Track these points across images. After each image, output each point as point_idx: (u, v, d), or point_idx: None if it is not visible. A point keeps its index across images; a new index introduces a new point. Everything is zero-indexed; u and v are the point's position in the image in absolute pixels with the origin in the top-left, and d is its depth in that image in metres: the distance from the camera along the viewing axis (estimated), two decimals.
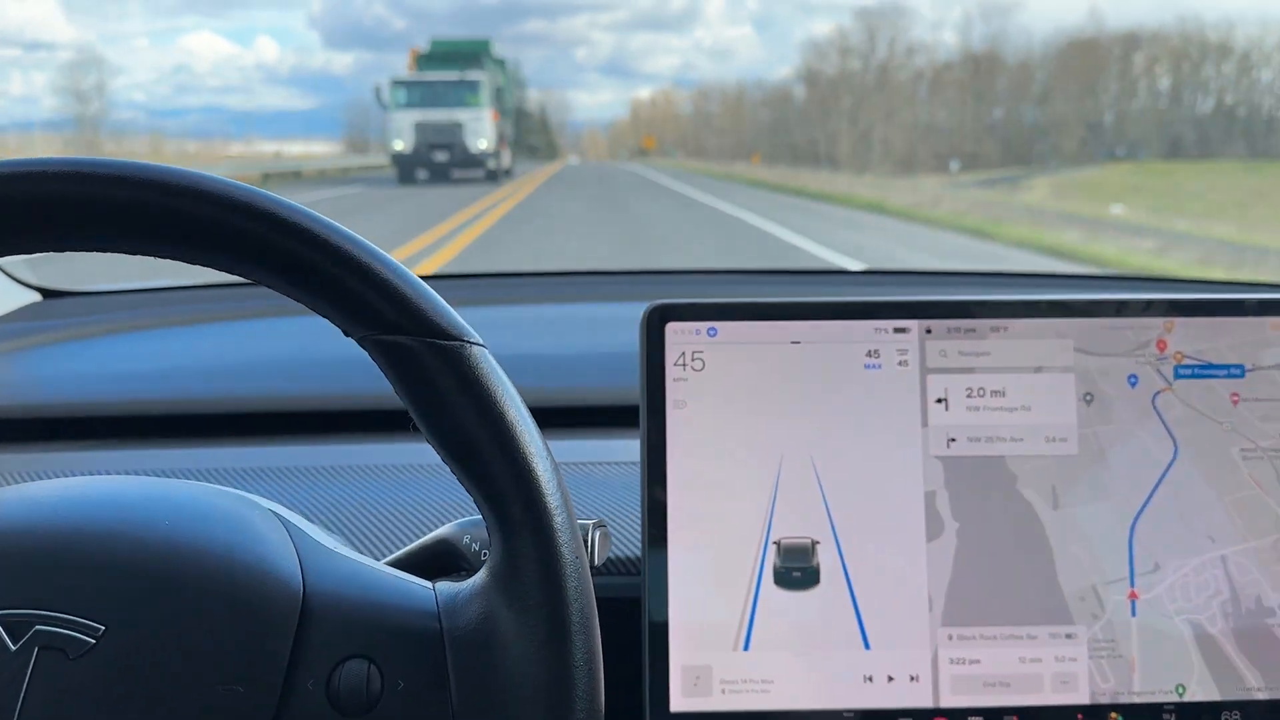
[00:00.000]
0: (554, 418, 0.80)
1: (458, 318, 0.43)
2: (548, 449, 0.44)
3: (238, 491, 0.50)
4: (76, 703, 0.41)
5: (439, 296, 0.43)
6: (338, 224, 0.42)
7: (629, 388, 0.62)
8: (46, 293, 1.15)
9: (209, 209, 0.40)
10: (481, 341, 0.43)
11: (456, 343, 0.42)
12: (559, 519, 0.43)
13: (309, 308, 0.43)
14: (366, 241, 0.42)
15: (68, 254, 0.44)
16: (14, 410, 0.86)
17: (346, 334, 0.43)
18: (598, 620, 0.44)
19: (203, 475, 0.74)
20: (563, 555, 0.43)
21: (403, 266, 0.43)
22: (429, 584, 0.46)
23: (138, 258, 0.43)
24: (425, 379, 0.42)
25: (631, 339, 0.61)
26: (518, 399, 0.44)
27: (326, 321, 0.44)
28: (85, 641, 0.42)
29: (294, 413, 0.84)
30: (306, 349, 0.95)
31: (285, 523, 0.48)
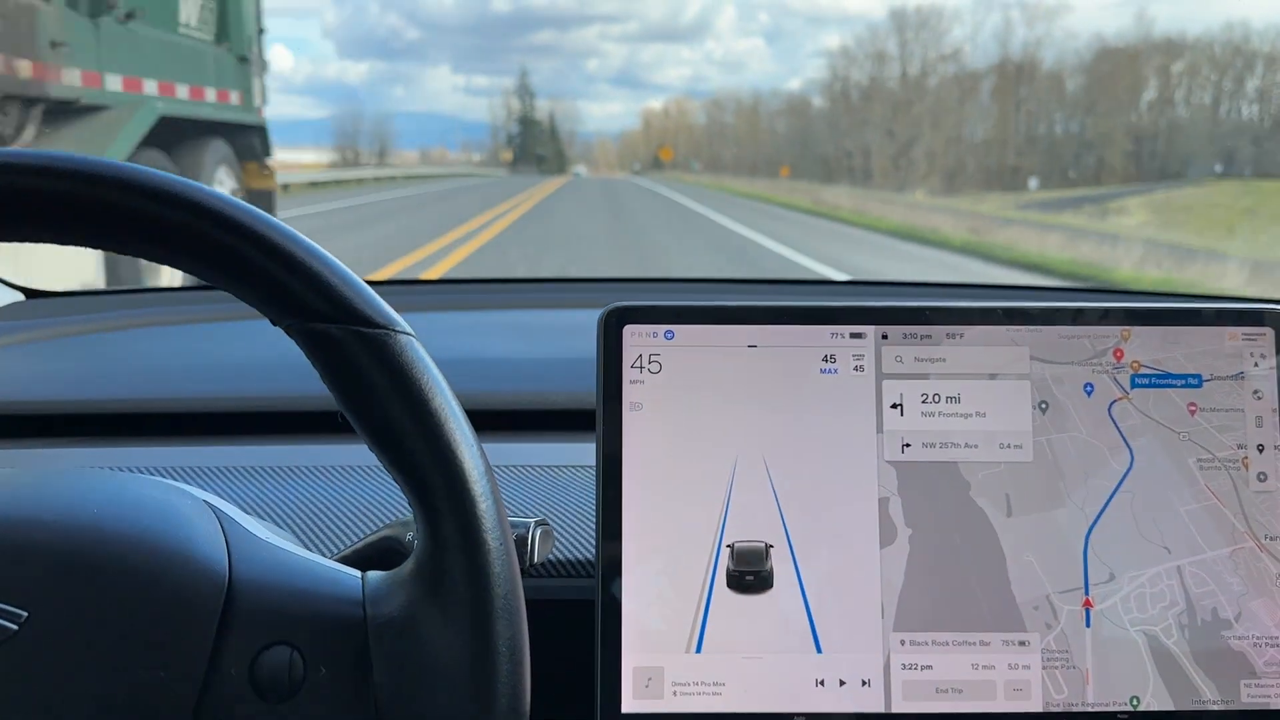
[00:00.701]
0: (513, 421, 0.81)
1: (385, 306, 0.43)
2: (475, 438, 0.44)
3: (169, 481, 0.50)
4: None
5: (366, 285, 0.43)
6: (263, 212, 0.42)
7: (588, 392, 0.62)
8: (29, 293, 1.16)
9: (135, 199, 0.41)
10: (409, 330, 0.44)
11: (383, 331, 0.43)
12: (483, 506, 0.43)
13: (235, 296, 0.43)
14: (292, 230, 0.43)
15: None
16: None
17: (274, 323, 0.43)
18: (524, 607, 0.44)
19: (168, 472, 0.74)
20: (486, 542, 0.43)
21: (328, 254, 0.43)
22: (357, 573, 0.47)
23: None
24: (351, 367, 0.42)
25: (591, 345, 0.61)
26: (445, 388, 0.44)
27: None
28: (7, 628, 0.42)
29: (264, 413, 0.85)
30: (279, 351, 0.95)
31: (216, 512, 0.48)
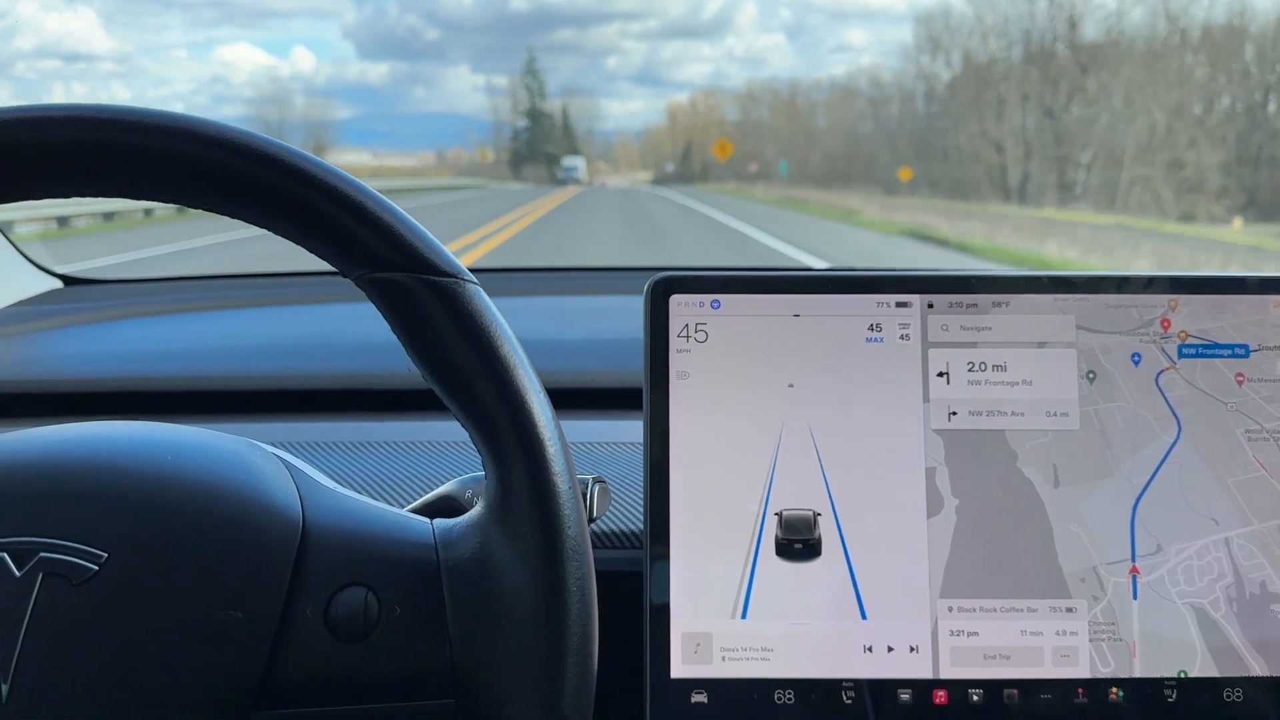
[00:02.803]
0: (556, 399, 0.81)
1: (452, 256, 0.44)
2: (542, 385, 0.45)
3: (239, 436, 0.51)
4: (79, 627, 0.42)
5: (432, 234, 0.44)
6: (332, 164, 0.43)
7: (631, 371, 0.62)
8: (68, 280, 1.17)
9: (208, 151, 0.41)
10: (475, 279, 0.44)
11: (452, 279, 0.43)
12: (552, 449, 0.44)
13: (305, 248, 0.44)
14: (361, 181, 0.43)
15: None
16: (31, 385, 0.88)
17: (343, 274, 0.44)
18: (591, 549, 0.45)
19: None
20: (555, 483, 0.43)
21: (396, 206, 0.44)
22: (426, 519, 0.47)
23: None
24: (421, 315, 0.43)
25: (634, 327, 0.61)
26: (511, 335, 0.44)
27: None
28: (88, 568, 0.43)
29: (302, 390, 0.86)
30: (314, 333, 0.96)
31: (287, 463, 0.49)
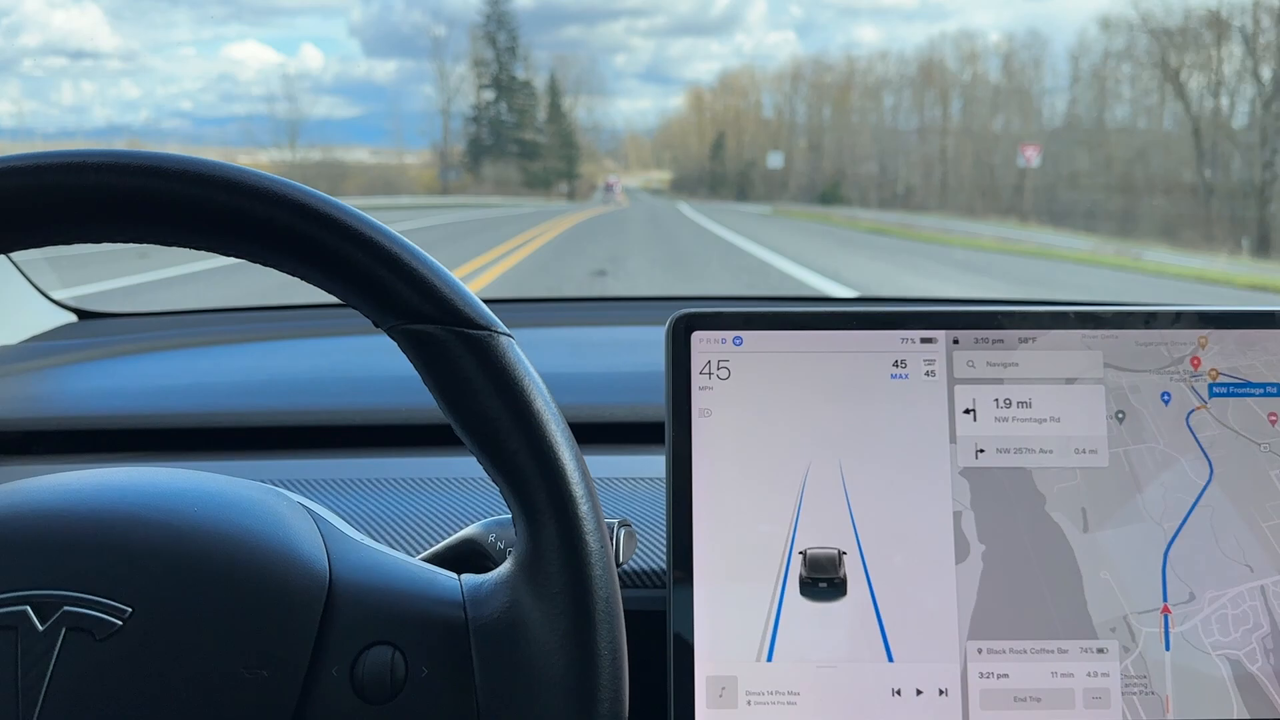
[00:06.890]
0: (577, 434, 0.80)
1: (485, 308, 0.44)
2: (573, 440, 0.44)
3: (265, 485, 0.50)
4: (102, 683, 0.41)
5: (467, 287, 0.44)
6: (367, 215, 0.43)
7: (652, 405, 0.62)
8: (81, 314, 1.17)
9: (241, 200, 0.41)
10: (509, 332, 0.44)
11: (485, 332, 0.43)
12: (584, 507, 0.43)
13: (338, 298, 0.43)
14: (395, 232, 0.43)
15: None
16: (47, 423, 0.87)
17: (376, 324, 0.43)
18: (622, 611, 0.44)
19: None
20: (587, 543, 0.42)
21: (430, 257, 0.43)
22: (454, 575, 0.46)
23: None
24: (453, 368, 0.42)
25: (654, 359, 0.61)
26: (544, 389, 0.44)
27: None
28: (112, 623, 0.42)
29: (321, 426, 0.85)
30: (332, 366, 0.96)
31: (313, 514, 0.48)
